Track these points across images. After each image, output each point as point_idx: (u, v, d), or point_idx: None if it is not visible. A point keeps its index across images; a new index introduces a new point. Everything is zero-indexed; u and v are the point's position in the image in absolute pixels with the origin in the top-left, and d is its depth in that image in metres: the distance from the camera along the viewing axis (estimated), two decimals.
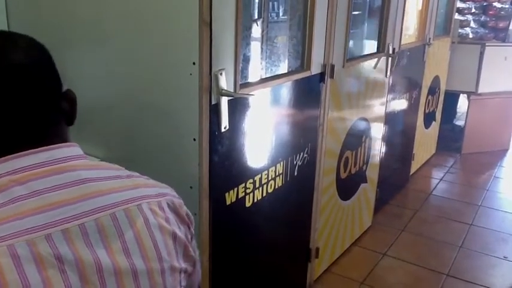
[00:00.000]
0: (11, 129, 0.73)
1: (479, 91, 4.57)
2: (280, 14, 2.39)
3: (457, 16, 4.67)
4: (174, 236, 0.82)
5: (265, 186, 1.91)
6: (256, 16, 2.15)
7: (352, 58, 2.54)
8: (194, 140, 1.49)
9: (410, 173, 4.09)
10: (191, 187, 1.54)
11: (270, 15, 2.27)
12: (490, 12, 4.92)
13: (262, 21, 2.23)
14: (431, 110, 4.33)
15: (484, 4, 4.95)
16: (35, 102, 0.74)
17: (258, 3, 2.15)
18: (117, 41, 1.53)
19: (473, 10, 4.92)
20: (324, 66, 2.18)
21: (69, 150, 0.77)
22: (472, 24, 4.90)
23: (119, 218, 0.75)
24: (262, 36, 2.23)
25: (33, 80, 0.73)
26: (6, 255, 0.64)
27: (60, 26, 1.64)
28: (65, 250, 0.69)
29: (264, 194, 1.92)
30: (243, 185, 1.77)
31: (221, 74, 1.49)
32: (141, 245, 0.77)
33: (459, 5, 4.71)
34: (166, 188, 0.87)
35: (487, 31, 4.87)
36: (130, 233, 0.76)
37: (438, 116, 4.60)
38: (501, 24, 4.85)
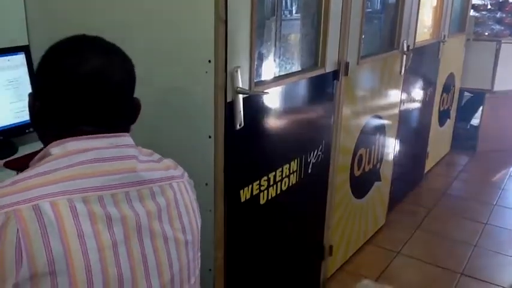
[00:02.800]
0: (102, 119, 0.94)
1: (495, 89, 4.52)
2: (293, 12, 2.39)
3: (472, 13, 4.61)
4: (195, 212, 1.03)
5: (279, 183, 1.92)
6: (269, 14, 2.15)
7: (367, 55, 2.53)
8: (210, 137, 1.50)
9: (425, 171, 4.07)
10: (206, 184, 1.55)
11: (284, 13, 2.27)
12: (506, 9, 4.85)
13: (276, 19, 2.23)
14: (446, 108, 4.29)
15: (500, 1, 4.88)
16: (119, 104, 0.96)
17: (272, 1, 2.15)
18: (132, 39, 1.53)
19: (489, 7, 4.85)
20: (339, 63, 2.18)
21: (128, 139, 0.96)
22: (488, 21, 4.83)
23: (155, 191, 0.94)
24: (276, 34, 2.23)
25: (121, 93, 0.96)
26: (66, 206, 0.81)
27: (75, 26, 1.66)
28: (113, 210, 0.86)
29: (278, 192, 1.92)
30: (258, 182, 1.78)
31: (236, 71, 1.50)
32: (169, 214, 0.96)
33: (474, 1, 4.65)
34: (183, 170, 1.08)
35: (503, 28, 4.80)
36: (163, 201, 0.95)
37: (453, 113, 4.56)
38: None
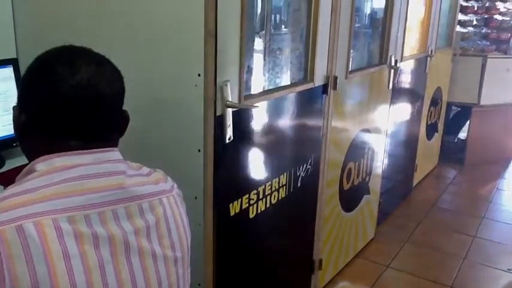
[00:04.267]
0: (91, 132, 0.92)
1: (482, 103, 4.58)
2: (282, 27, 2.41)
3: (458, 28, 4.69)
4: (185, 226, 1.01)
5: (268, 197, 1.92)
6: (258, 28, 2.17)
7: (355, 70, 2.55)
8: (199, 150, 1.50)
9: (413, 184, 4.09)
10: (196, 197, 1.54)
11: (272, 28, 2.29)
12: (491, 25, 4.95)
13: (265, 34, 2.25)
14: (433, 122, 4.34)
15: (486, 16, 4.98)
16: (109, 117, 0.94)
17: (261, 15, 2.16)
18: (122, 51, 1.54)
19: (474, 22, 4.94)
20: (327, 77, 2.20)
21: (116, 153, 0.94)
22: (474, 36, 4.91)
23: (143, 208, 0.92)
24: (265, 48, 2.24)
25: (112, 105, 0.94)
26: (51, 227, 0.78)
27: (64, 39, 1.66)
28: (100, 229, 0.84)
29: (268, 205, 1.92)
30: (247, 196, 1.77)
31: (226, 85, 1.50)
32: (158, 231, 0.94)
33: (460, 17, 4.74)
34: (172, 181, 1.05)
35: (488, 43, 4.89)
36: (152, 218, 0.93)
37: (440, 127, 4.61)
38: (503, 36, 4.87)
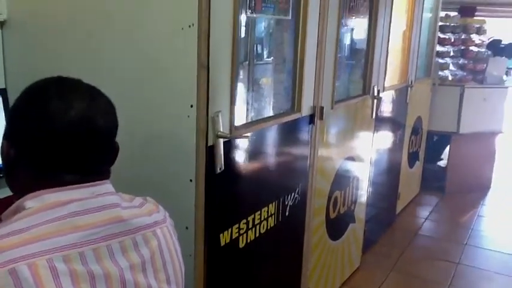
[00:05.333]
0: (85, 166, 0.91)
1: (461, 131, 4.69)
2: (265, 57, 2.46)
3: (436, 59, 4.83)
4: (178, 255, 1.01)
5: (258, 226, 1.92)
6: (242, 59, 2.21)
7: (340, 100, 2.60)
8: (191, 181, 1.50)
9: (397, 212, 4.13)
10: (187, 228, 1.54)
11: (255, 58, 2.33)
12: (468, 56, 5.12)
13: (249, 64, 2.29)
14: (414, 150, 4.41)
15: (462, 48, 5.15)
16: (103, 150, 0.94)
17: (244, 46, 2.20)
18: (116, 82, 1.55)
19: (452, 54, 5.11)
20: (314, 108, 2.24)
21: (109, 186, 0.93)
22: (451, 67, 5.07)
23: (138, 242, 0.91)
24: (249, 78, 2.28)
25: (106, 138, 0.94)
26: (46, 268, 0.76)
27: (54, 70, 1.67)
28: (96, 267, 0.82)
29: (257, 235, 1.92)
30: (237, 225, 1.77)
31: (217, 116, 1.52)
32: (154, 265, 0.93)
33: (438, 48, 4.89)
34: (164, 210, 1.05)
35: (465, 73, 5.05)
36: (146, 252, 0.92)
37: (421, 155, 4.69)
38: (478, 67, 5.03)
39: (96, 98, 0.94)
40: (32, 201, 0.85)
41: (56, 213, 0.82)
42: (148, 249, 0.92)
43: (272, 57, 2.37)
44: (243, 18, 1.78)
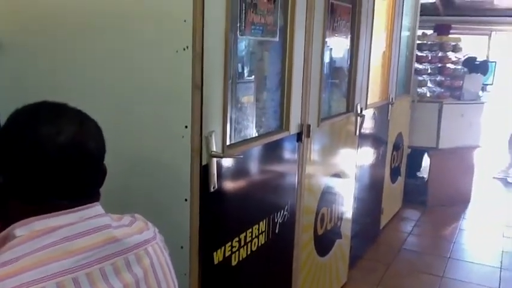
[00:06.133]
0: (76, 190, 0.90)
1: (440, 146, 4.80)
2: (245, 75, 2.48)
3: (415, 76, 4.96)
4: (171, 271, 1.02)
5: (249, 244, 1.94)
6: None
7: (325, 118, 2.66)
8: (186, 200, 1.52)
9: (381, 227, 4.18)
10: (182, 247, 1.55)
11: (238, 76, 2.36)
12: (445, 73, 5.27)
13: (232, 82, 2.32)
14: (396, 165, 4.50)
15: (439, 65, 5.30)
16: (94, 173, 0.94)
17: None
18: (111, 102, 1.57)
19: (429, 71, 5.25)
20: (301, 126, 2.28)
21: (99, 208, 0.93)
22: (429, 83, 5.21)
23: (130, 261, 0.91)
24: (232, 97, 2.30)
25: (96, 162, 0.94)
26: None
27: (43, 92, 1.67)
28: None
29: (249, 252, 1.94)
30: (230, 243, 1.79)
31: (211, 136, 1.55)
32: (147, 283, 0.93)
33: (416, 66, 5.02)
34: (153, 226, 1.06)
35: (443, 90, 5.19)
36: (140, 271, 0.92)
37: (403, 170, 4.77)
38: (455, 84, 5.18)
39: (85, 122, 0.94)
40: (21, 229, 0.84)
41: (46, 240, 0.82)
42: (141, 268, 0.93)
43: (253, 76, 2.40)
44: (233, 39, 1.82)
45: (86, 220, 0.88)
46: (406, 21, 4.39)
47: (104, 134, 0.97)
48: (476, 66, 5.43)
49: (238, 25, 1.73)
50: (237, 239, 1.84)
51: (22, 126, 0.88)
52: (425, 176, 5.11)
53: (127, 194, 1.52)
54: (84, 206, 0.89)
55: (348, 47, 3.00)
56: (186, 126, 1.47)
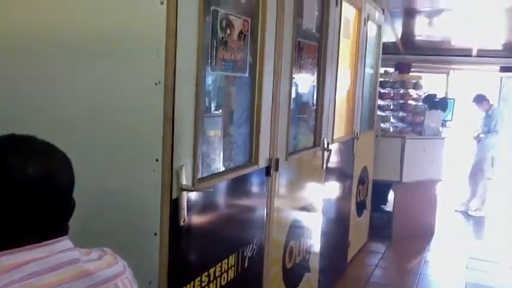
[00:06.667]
0: (45, 226, 0.89)
1: (404, 180, 4.92)
2: (212, 109, 2.52)
3: (378, 112, 5.12)
4: None
5: (218, 279, 1.92)
6: None
7: (293, 152, 2.70)
8: (155, 234, 1.51)
9: (348, 260, 4.21)
10: (150, 282, 1.53)
11: (206, 110, 2.39)
12: (407, 109, 5.46)
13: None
14: (362, 199, 4.57)
15: (401, 102, 5.50)
16: (63, 207, 0.93)
17: None
18: (81, 133, 1.56)
19: (392, 107, 5.44)
20: (270, 160, 2.32)
21: (68, 242, 0.92)
22: (392, 119, 5.38)
23: None
24: (200, 131, 2.32)
25: (65, 195, 0.93)
26: None
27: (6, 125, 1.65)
28: None
29: (218, 287, 1.92)
30: (199, 278, 1.77)
31: (181, 169, 1.56)
32: None
33: (379, 102, 5.19)
34: (121, 259, 1.05)
35: (405, 125, 5.36)
36: None
37: (368, 204, 4.85)
38: (417, 119, 5.37)
39: (54, 154, 0.93)
40: None
41: (14, 275, 0.80)
42: None
43: (220, 110, 2.43)
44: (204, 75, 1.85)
45: (55, 255, 0.87)
46: (369, 59, 4.56)
47: (73, 167, 0.97)
48: (436, 103, 5.67)
49: (209, 61, 1.77)
50: (206, 273, 1.82)
51: None
52: (391, 209, 5.20)
53: (95, 227, 1.50)
54: (53, 240, 0.88)
55: (315, 83, 3.09)
56: (157, 160, 1.48)
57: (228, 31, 1.88)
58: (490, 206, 6.29)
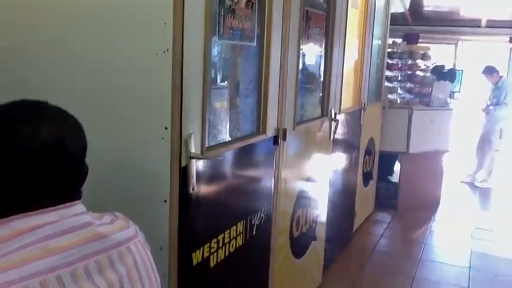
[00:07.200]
0: (57, 191, 0.90)
1: (410, 151, 4.93)
2: (218, 81, 2.51)
3: (386, 83, 5.09)
4: (153, 267, 1.04)
5: (227, 245, 1.96)
6: None
7: (300, 122, 2.71)
8: (165, 201, 1.54)
9: (354, 230, 4.26)
10: (161, 248, 1.56)
11: (212, 82, 2.38)
12: (415, 80, 5.42)
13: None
14: (368, 170, 4.59)
15: (409, 73, 5.45)
16: (75, 173, 0.94)
17: None
18: (91, 102, 1.58)
19: (399, 78, 5.40)
20: (278, 129, 2.33)
21: (80, 206, 0.93)
22: (399, 90, 5.35)
23: (113, 259, 0.92)
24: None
25: (77, 161, 0.94)
26: None
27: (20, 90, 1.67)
28: None
29: (227, 254, 1.96)
30: (208, 244, 1.81)
31: (190, 137, 1.57)
32: (131, 281, 0.94)
33: (387, 73, 5.15)
34: (133, 223, 1.05)
35: (412, 96, 5.33)
36: (123, 269, 0.93)
37: (375, 174, 4.88)
38: (424, 90, 5.34)
39: (65, 120, 0.93)
40: (1, 228, 0.83)
41: (27, 238, 0.81)
42: (124, 265, 0.93)
43: (226, 82, 2.43)
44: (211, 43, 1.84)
45: (68, 218, 0.88)
46: (377, 30, 4.51)
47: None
48: (444, 74, 5.61)
49: (217, 29, 1.76)
50: (215, 240, 1.86)
51: (0, 126, 0.86)
52: (397, 180, 5.23)
53: (106, 194, 1.52)
54: (66, 205, 0.89)
55: (322, 54, 3.07)
56: (166, 128, 1.49)
57: None
58: (496, 178, 6.30)
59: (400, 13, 6.79)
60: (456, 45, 8.72)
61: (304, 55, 2.89)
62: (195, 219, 1.71)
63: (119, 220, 1.01)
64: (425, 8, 7.12)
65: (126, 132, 1.57)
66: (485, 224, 4.76)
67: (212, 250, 1.84)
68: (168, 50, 1.45)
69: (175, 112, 1.50)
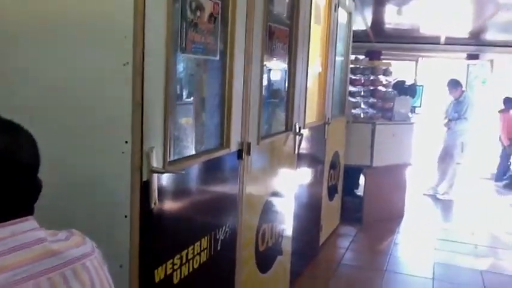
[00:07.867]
0: (7, 206, 0.86)
1: (374, 165, 5.01)
2: (184, 97, 2.50)
3: (349, 98, 5.18)
4: (110, 285, 1.00)
5: (191, 261, 1.93)
6: None
7: (265, 136, 2.72)
8: (125, 216, 1.50)
9: (320, 243, 4.27)
10: (121, 266, 1.52)
11: (177, 98, 2.37)
12: (377, 95, 5.54)
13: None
14: (333, 183, 4.64)
15: (371, 88, 5.57)
16: (27, 187, 0.91)
17: None
18: (46, 119, 1.53)
19: (362, 93, 5.51)
20: (241, 143, 2.32)
21: (33, 222, 0.89)
22: (363, 105, 5.46)
23: (67, 276, 0.88)
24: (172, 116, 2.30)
25: (30, 175, 0.91)
26: None
27: None
28: None
29: (191, 270, 1.93)
30: (171, 261, 1.78)
31: (152, 151, 1.55)
32: None
33: (350, 88, 5.25)
34: (90, 240, 1.01)
35: (375, 111, 5.45)
36: (78, 286, 0.89)
37: (340, 188, 4.93)
38: (387, 105, 5.46)
39: (17, 132, 0.90)
40: None
41: None
42: (79, 283, 0.89)
43: (192, 98, 2.42)
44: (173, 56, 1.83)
45: (19, 234, 0.84)
46: (340, 46, 4.60)
47: (42, 148, 0.95)
48: (405, 90, 5.77)
49: (179, 43, 1.76)
50: (178, 256, 1.83)
51: None
52: (362, 193, 5.30)
53: (65, 210, 1.48)
54: (16, 220, 0.86)
55: (286, 68, 3.10)
56: (127, 142, 1.47)
57: (198, 13, 1.86)
58: (457, 190, 6.47)
59: (362, 30, 6.96)
60: (417, 61, 8.99)
61: (269, 70, 2.92)
62: (157, 235, 1.68)
63: (75, 236, 0.97)
64: (387, 26, 7.33)
65: (87, 145, 1.53)
66: (447, 235, 4.87)
67: (175, 267, 1.81)
68: (128, 63, 1.44)
69: (136, 126, 1.48)
